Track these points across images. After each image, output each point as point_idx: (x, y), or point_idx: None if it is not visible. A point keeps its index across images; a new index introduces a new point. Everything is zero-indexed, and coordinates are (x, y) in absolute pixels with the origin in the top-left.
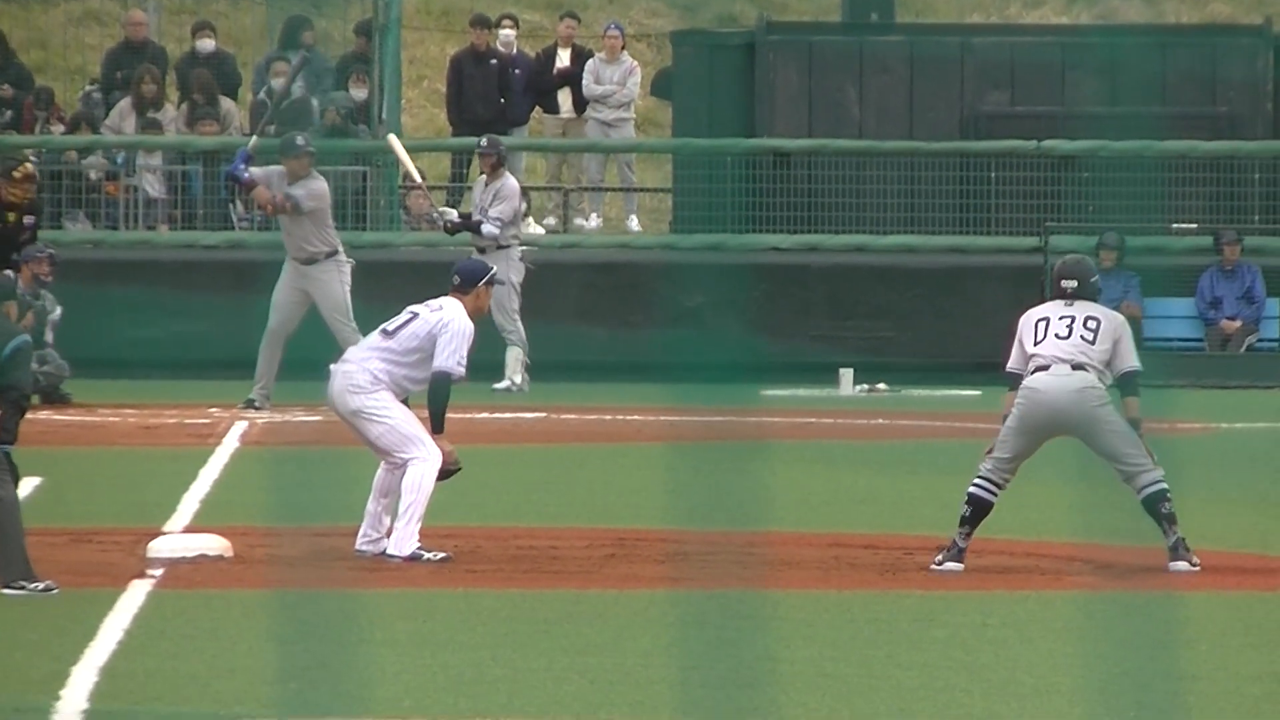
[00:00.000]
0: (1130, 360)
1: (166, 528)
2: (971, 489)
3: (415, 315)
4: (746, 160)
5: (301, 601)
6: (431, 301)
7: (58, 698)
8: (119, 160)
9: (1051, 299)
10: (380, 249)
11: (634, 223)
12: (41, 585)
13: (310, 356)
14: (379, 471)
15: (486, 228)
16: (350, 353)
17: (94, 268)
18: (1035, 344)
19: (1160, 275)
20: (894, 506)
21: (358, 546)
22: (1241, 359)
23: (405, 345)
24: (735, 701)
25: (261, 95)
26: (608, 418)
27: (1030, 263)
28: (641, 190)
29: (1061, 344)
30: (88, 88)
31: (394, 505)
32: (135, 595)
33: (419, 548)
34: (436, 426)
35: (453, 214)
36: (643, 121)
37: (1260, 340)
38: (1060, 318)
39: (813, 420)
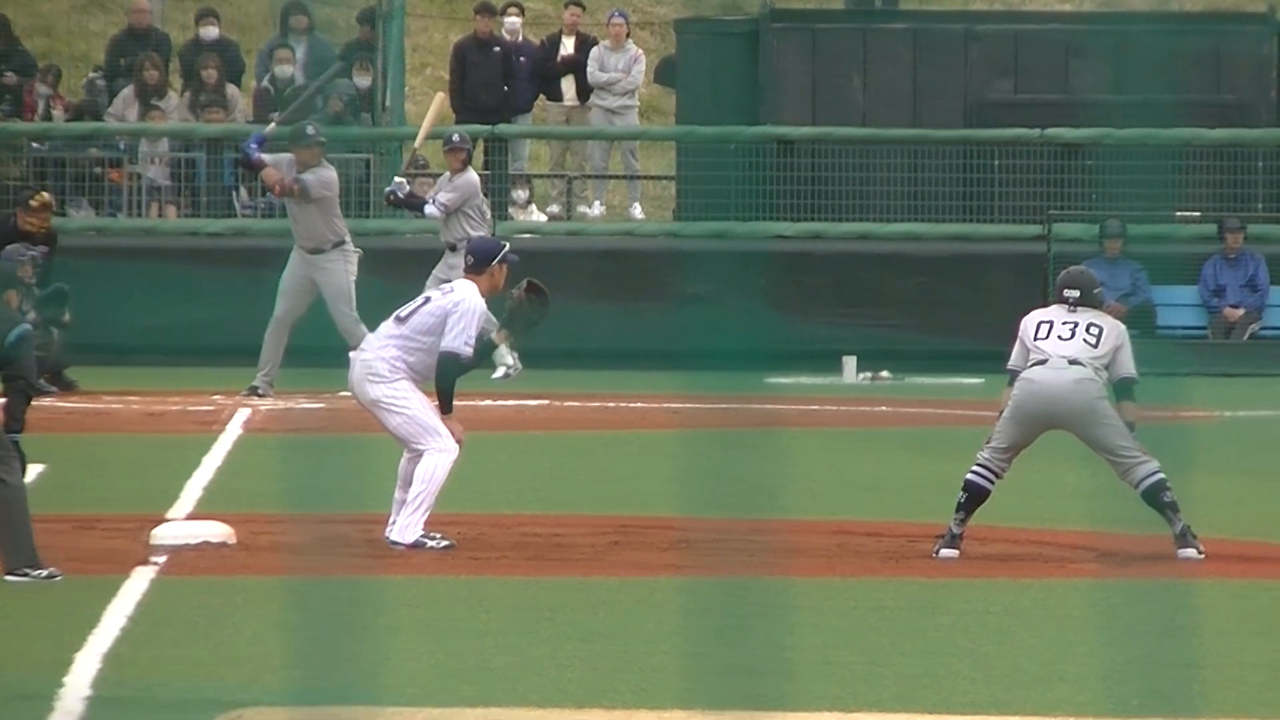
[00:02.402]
0: (1129, 368)
1: (170, 514)
2: (969, 476)
3: (428, 299)
4: (750, 148)
5: (306, 588)
6: (445, 285)
7: (61, 684)
8: (122, 147)
9: (1054, 304)
10: (384, 237)
11: (638, 210)
12: (45, 572)
13: (314, 344)
14: (402, 461)
15: (429, 209)
16: (368, 341)
17: (97, 255)
18: (1036, 341)
19: (1164, 263)
20: (898, 494)
21: (386, 534)
22: (1245, 347)
23: (419, 330)
24: (739, 689)
25: (265, 82)
26: (611, 405)
27: (1034, 250)
28: (645, 178)
29: (1063, 343)
30: (91, 75)
31: (411, 495)
32: (139, 582)
33: (423, 534)
34: (445, 407)
35: (405, 186)
36: (647, 109)
37: (1264, 328)
38: (1064, 322)
39: (816, 407)
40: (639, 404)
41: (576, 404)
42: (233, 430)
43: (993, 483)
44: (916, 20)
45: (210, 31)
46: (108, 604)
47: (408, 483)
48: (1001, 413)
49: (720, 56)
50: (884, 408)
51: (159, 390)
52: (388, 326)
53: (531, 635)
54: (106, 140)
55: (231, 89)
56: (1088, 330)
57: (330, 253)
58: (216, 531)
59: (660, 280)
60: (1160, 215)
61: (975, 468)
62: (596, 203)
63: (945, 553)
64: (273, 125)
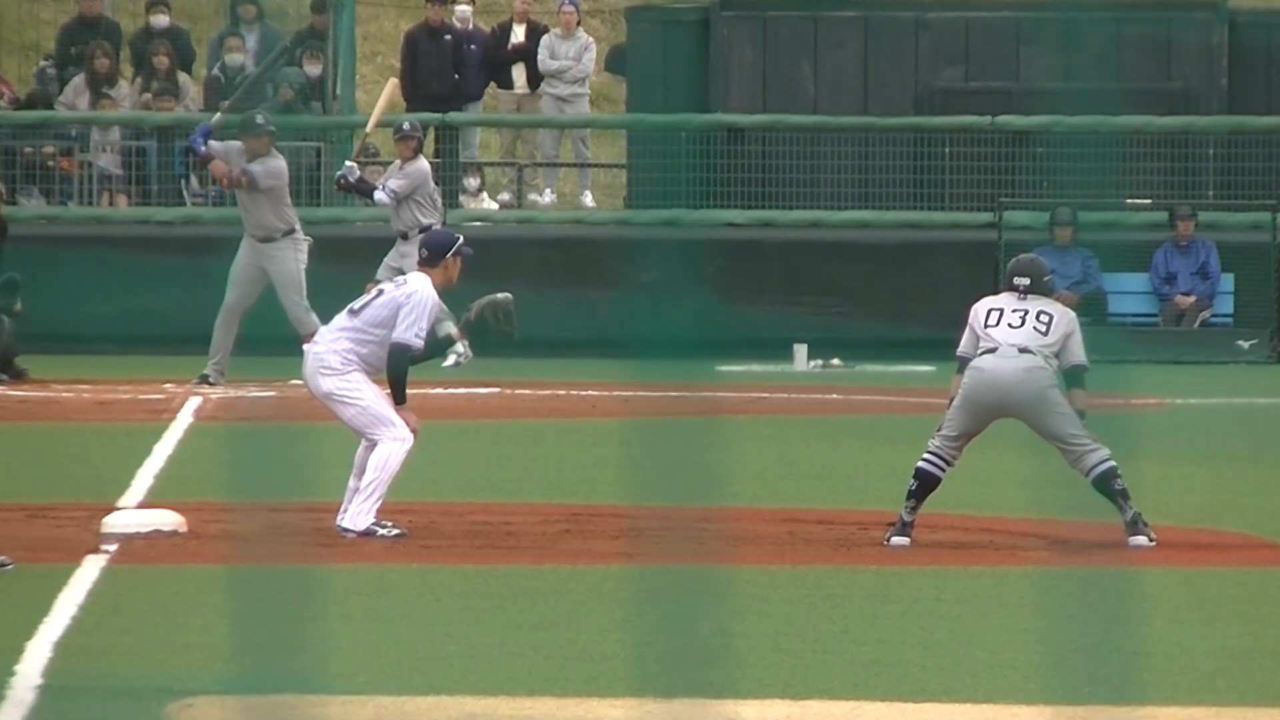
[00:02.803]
0: (1079, 355)
1: (121, 503)
2: (920, 464)
3: (381, 292)
4: (701, 136)
5: (256, 577)
6: (399, 277)
7: (12, 673)
8: (73, 135)
9: (1004, 291)
10: (334, 225)
11: (588, 198)
12: None
13: (264, 333)
14: (360, 449)
15: (379, 195)
16: (320, 334)
17: (47, 243)
18: (986, 328)
19: (1115, 250)
20: (848, 481)
21: (338, 522)
22: (1195, 334)
23: (371, 322)
24: (690, 677)
25: (215, 71)
26: (562, 393)
27: (985, 238)
28: (596, 166)
29: (1013, 331)
30: (42, 64)
31: (364, 483)
32: (89, 570)
33: (374, 523)
34: (399, 397)
35: (356, 171)
36: (597, 97)
37: (1214, 315)
38: (1014, 310)
39: (767, 395)
40: (590, 392)
41: (527, 392)
42: (183, 419)
43: (944, 470)
44: (867, 8)
45: (161, 20)
46: (58, 593)
47: (362, 471)
48: (952, 401)
49: (671, 44)
50: (835, 395)
51: (109, 379)
52: (341, 319)
53: (482, 624)
54: (58, 129)
55: (183, 77)
56: (1038, 318)
57: (280, 241)
58: (167, 520)
59: (611, 268)
60: (1111, 203)
61: (926, 455)
62: (547, 191)
63: (896, 540)
64: (219, 115)
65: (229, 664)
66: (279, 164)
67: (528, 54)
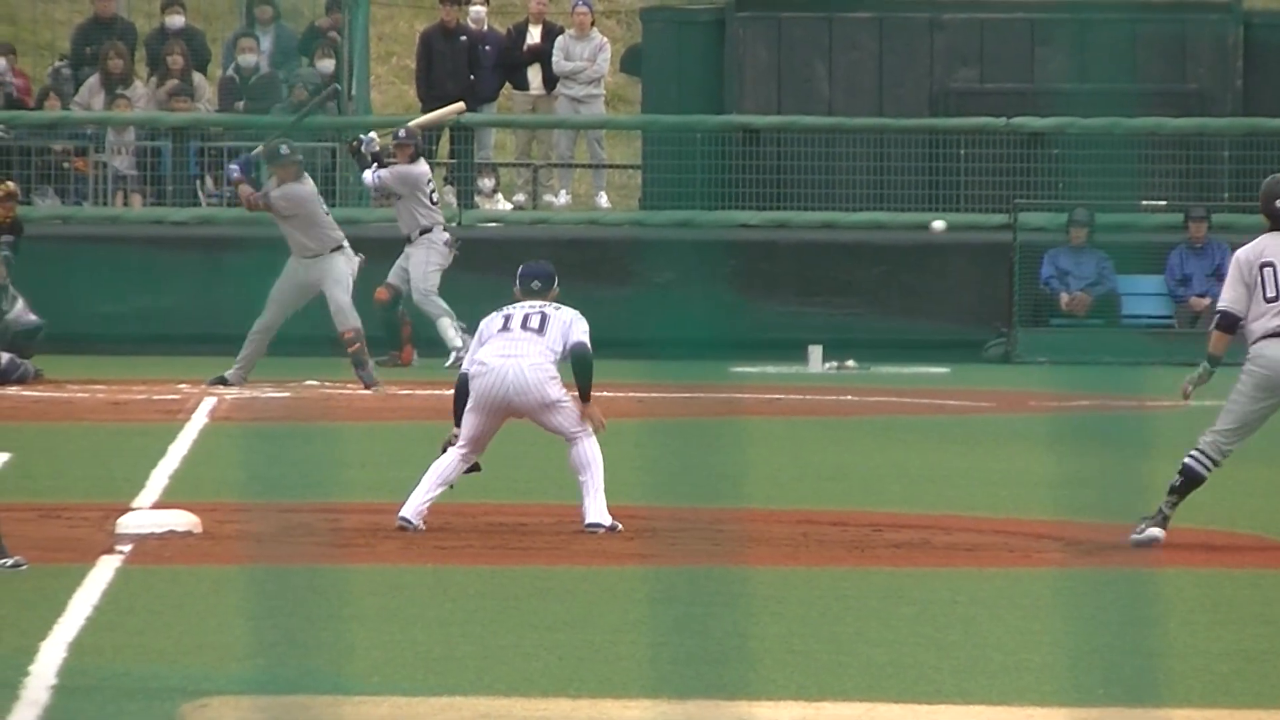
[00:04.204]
0: None
1: (135, 503)
2: (1186, 461)
3: (544, 314)
4: (716, 137)
5: (270, 577)
6: (533, 303)
7: (27, 673)
8: (89, 134)
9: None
10: (349, 225)
11: (603, 199)
12: (11, 561)
13: (280, 334)
14: (448, 460)
15: (367, 175)
16: (520, 348)
17: (62, 243)
18: (1268, 299)
19: (1130, 252)
20: (862, 483)
21: (409, 517)
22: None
23: (553, 339)
24: (704, 678)
25: (230, 71)
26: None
27: (1000, 239)
28: (611, 167)
29: None
30: (57, 64)
31: (590, 479)
32: (104, 571)
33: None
34: (587, 396)
35: (375, 145)
36: (612, 98)
37: None
38: None
39: (781, 396)
40: (604, 393)
41: None
42: (198, 419)
43: (1209, 470)
44: (881, 9)
45: (176, 20)
46: (73, 593)
47: (581, 467)
48: (1209, 358)
49: (686, 45)
50: (849, 396)
51: (124, 379)
52: (526, 334)
53: (496, 624)
54: (72, 129)
55: (198, 77)
56: None
57: (328, 254)
58: (182, 520)
59: (626, 269)
60: (1126, 204)
61: (1193, 452)
62: (562, 191)
63: (1150, 532)
64: (259, 148)
65: (243, 664)
66: (302, 190)
67: (543, 55)
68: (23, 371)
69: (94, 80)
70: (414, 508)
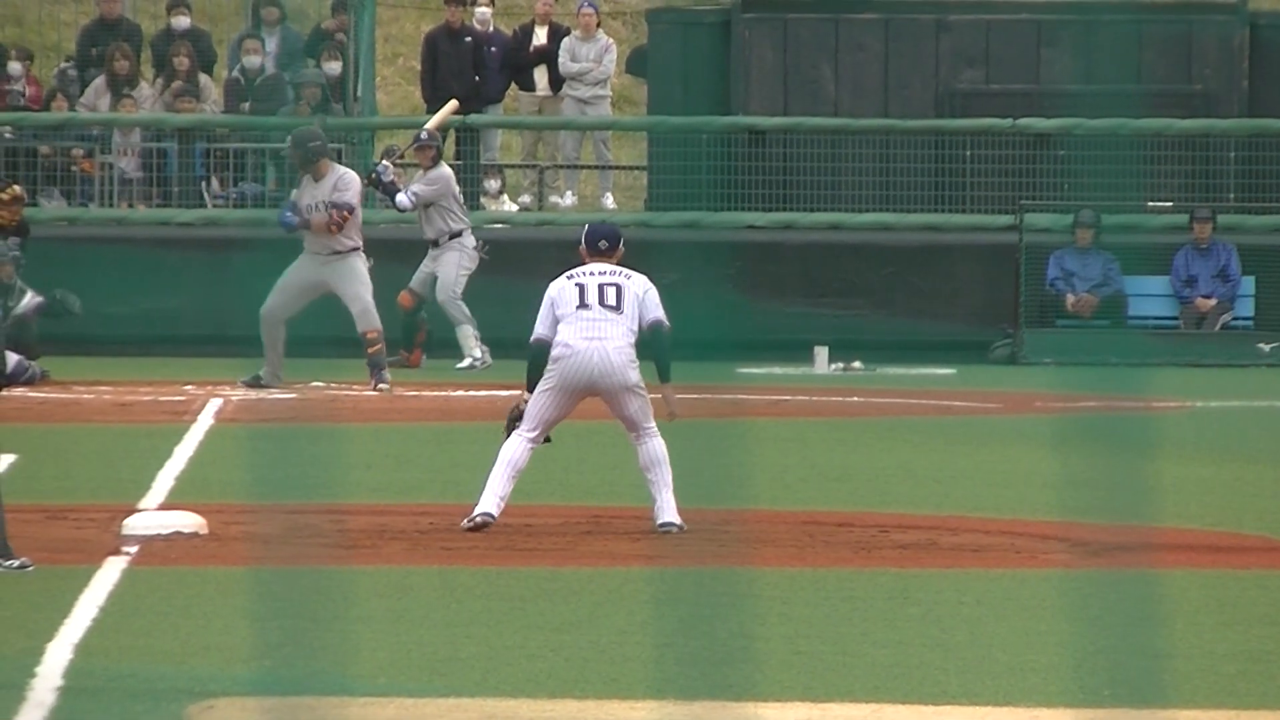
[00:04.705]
0: None
1: (141, 505)
2: None
3: (619, 286)
4: (722, 138)
5: (276, 578)
6: (603, 268)
7: (33, 674)
8: (95, 135)
9: None
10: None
11: (609, 200)
12: (17, 562)
13: (289, 334)
14: (518, 448)
15: (401, 198)
16: (604, 330)
17: (68, 244)
18: None
19: (1136, 253)
20: (868, 484)
21: (490, 511)
22: (1216, 337)
23: (631, 315)
24: (710, 679)
25: (235, 73)
26: None
27: (1006, 240)
28: (617, 168)
29: None
30: (63, 65)
31: (660, 477)
32: (110, 572)
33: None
34: (666, 376)
35: (389, 173)
36: (618, 99)
37: (1235, 318)
38: None
39: (787, 398)
40: None
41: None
42: (204, 420)
43: None
44: (887, 10)
45: (182, 21)
46: (79, 594)
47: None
48: None
49: (691, 46)
50: (856, 398)
51: (130, 380)
52: (605, 312)
53: (502, 625)
54: (79, 130)
55: (203, 79)
56: None
57: (346, 256)
58: (188, 522)
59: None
60: (1132, 205)
61: None
62: (568, 193)
63: None
64: (295, 192)
65: (249, 665)
66: (355, 178)
67: (549, 56)
68: (30, 374)
69: (100, 81)
70: (494, 500)
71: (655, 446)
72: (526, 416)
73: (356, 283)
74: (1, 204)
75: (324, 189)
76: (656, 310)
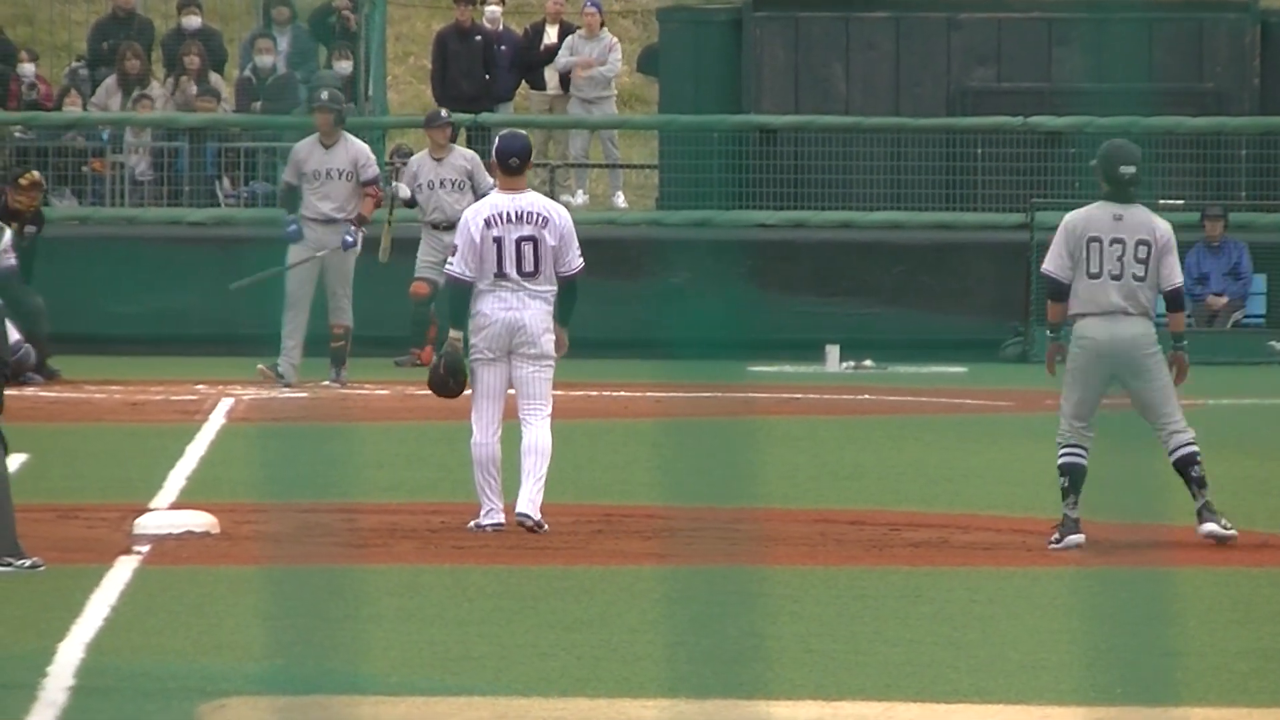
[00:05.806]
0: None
1: (153, 504)
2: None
3: (535, 240)
4: (733, 136)
5: (288, 577)
6: (518, 204)
7: (44, 674)
8: (105, 137)
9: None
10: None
11: (620, 199)
12: (28, 562)
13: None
14: (488, 444)
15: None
16: (523, 300)
17: (79, 244)
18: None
19: None
20: (880, 482)
21: (503, 522)
22: (1228, 335)
23: (549, 274)
24: (721, 677)
25: (246, 72)
26: (594, 394)
27: (1017, 239)
28: (628, 167)
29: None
30: (74, 64)
31: (536, 468)
32: (121, 571)
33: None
34: (565, 321)
35: (406, 190)
36: (629, 98)
37: (1247, 316)
38: (1113, 240)
39: (799, 396)
40: (621, 393)
41: (559, 392)
42: (215, 419)
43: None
44: (899, 8)
45: (193, 21)
46: (91, 593)
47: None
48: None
49: (702, 45)
50: (867, 396)
51: (141, 379)
52: (524, 281)
53: (514, 624)
54: (89, 130)
55: (215, 78)
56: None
57: (345, 249)
58: (199, 521)
59: (642, 269)
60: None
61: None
62: (579, 191)
63: (1071, 539)
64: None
65: (261, 664)
66: (367, 148)
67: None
68: (24, 353)
69: (111, 81)
70: (496, 507)
71: (543, 434)
72: (474, 400)
73: (345, 281)
74: (20, 189)
75: (338, 157)
76: (573, 259)
